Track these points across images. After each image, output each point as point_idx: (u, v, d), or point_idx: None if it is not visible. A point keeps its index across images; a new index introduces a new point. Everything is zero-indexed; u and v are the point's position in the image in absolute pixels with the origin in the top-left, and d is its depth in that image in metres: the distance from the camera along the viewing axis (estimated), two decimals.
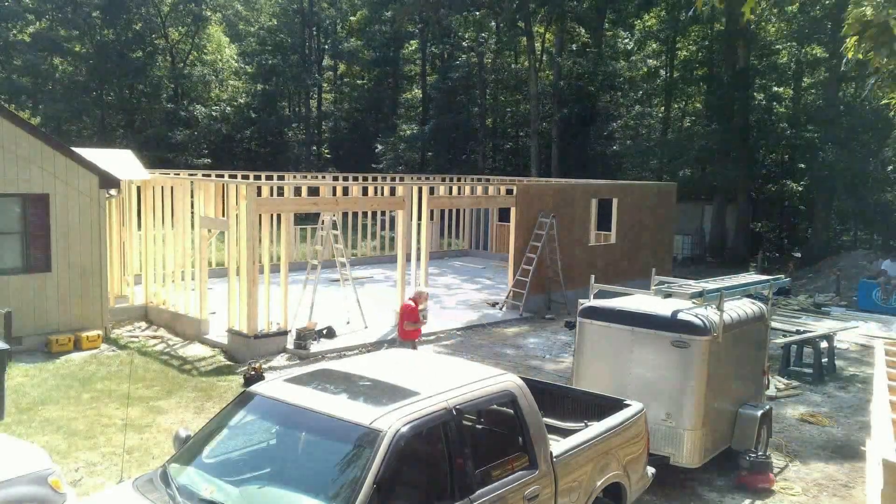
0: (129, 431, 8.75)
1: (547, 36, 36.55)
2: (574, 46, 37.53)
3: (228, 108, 40.75)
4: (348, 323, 15.09)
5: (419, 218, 15.47)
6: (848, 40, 6.97)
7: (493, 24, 38.95)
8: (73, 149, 13.73)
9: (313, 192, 14.12)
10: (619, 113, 38.88)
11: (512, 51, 40.30)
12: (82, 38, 36.20)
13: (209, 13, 40.24)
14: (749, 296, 10.06)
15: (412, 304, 11.19)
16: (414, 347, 11.00)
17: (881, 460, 5.68)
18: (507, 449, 5.82)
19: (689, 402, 8.17)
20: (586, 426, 6.85)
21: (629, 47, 37.35)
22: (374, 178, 23.31)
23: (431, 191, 15.79)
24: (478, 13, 35.54)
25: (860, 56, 7.11)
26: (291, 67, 40.72)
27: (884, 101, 9.52)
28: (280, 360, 12.75)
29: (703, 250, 30.58)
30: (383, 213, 24.64)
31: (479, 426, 6.29)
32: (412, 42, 44.52)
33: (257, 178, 19.09)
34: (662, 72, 36.99)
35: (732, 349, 8.78)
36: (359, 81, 44.52)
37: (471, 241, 26.96)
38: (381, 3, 38.76)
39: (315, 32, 41.52)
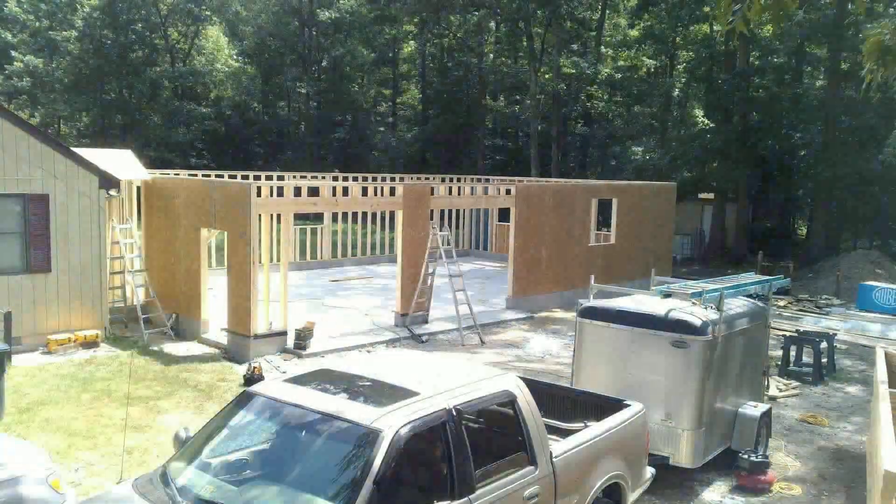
0: (129, 431, 8.74)
1: (547, 36, 36.56)
2: (574, 46, 37.55)
3: (228, 108, 40.74)
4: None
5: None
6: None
7: (492, 24, 38.96)
8: (73, 149, 13.73)
9: (313, 192, 14.11)
10: (619, 113, 38.90)
11: (512, 49, 40.30)
12: (82, 38, 36.20)
13: (208, 13, 40.25)
14: (749, 296, 10.07)
15: None
16: None
17: (884, 471, 5.70)
18: (506, 449, 5.82)
19: (688, 402, 8.16)
20: (586, 426, 6.84)
21: (628, 46, 37.35)
22: (374, 178, 23.31)
23: (431, 191, 15.79)
24: (477, 13, 35.54)
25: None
26: (290, 68, 40.71)
27: None
28: (279, 359, 12.76)
29: (702, 251, 30.60)
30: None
31: (479, 426, 6.29)
32: (411, 42, 44.52)
33: (257, 178, 19.09)
34: (662, 72, 37.00)
35: (732, 349, 8.78)
36: (358, 81, 44.50)
37: (471, 241, 26.96)
38: (381, 2, 38.77)
39: (314, 33, 41.52)
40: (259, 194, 12.78)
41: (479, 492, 5.28)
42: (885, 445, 6.35)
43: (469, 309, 15.06)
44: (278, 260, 14.36)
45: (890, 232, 30.55)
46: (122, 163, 15.21)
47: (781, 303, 19.65)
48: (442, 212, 24.17)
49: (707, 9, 30.30)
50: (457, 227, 26.50)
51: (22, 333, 12.34)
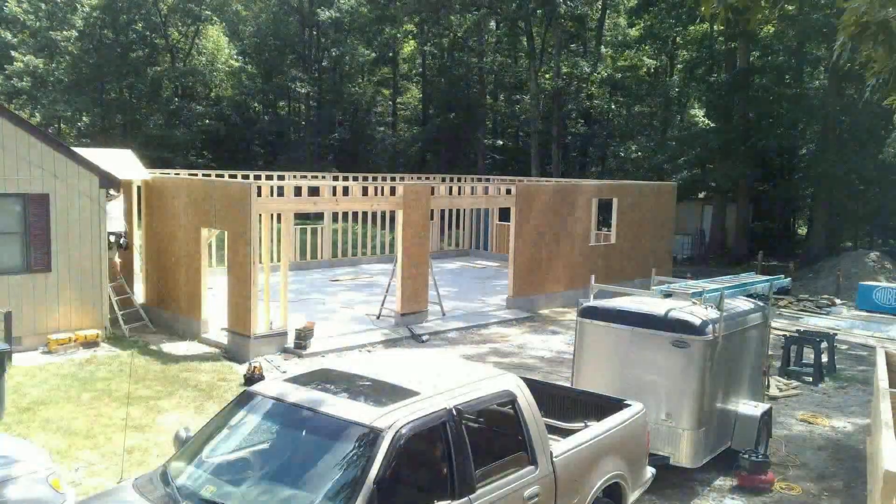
0: (129, 431, 8.74)
1: (546, 35, 36.59)
2: (574, 46, 37.57)
3: (228, 108, 40.76)
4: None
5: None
6: (839, 42, 6.88)
7: (492, 24, 38.95)
8: (73, 149, 13.73)
9: (313, 192, 14.11)
10: (619, 112, 38.90)
11: (512, 49, 40.31)
12: (82, 38, 36.19)
13: (209, 13, 40.25)
14: (749, 296, 10.07)
15: None
16: None
17: (884, 471, 5.70)
18: (507, 449, 5.82)
19: (688, 402, 8.16)
20: (586, 426, 6.84)
21: (628, 46, 37.36)
22: (374, 178, 23.32)
23: (432, 191, 15.79)
24: (477, 13, 35.55)
25: (859, 56, 7.12)
26: (290, 68, 40.75)
27: (885, 102, 9.42)
28: (279, 359, 12.75)
29: (702, 251, 30.59)
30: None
31: (479, 426, 6.29)
32: (411, 41, 44.52)
33: (257, 178, 19.09)
34: (662, 72, 36.99)
35: (732, 349, 8.78)
36: (358, 81, 44.50)
37: (471, 241, 26.96)
38: (381, 2, 38.81)
39: (314, 33, 41.54)
40: (259, 194, 12.78)
41: (479, 492, 5.28)
42: (886, 445, 6.35)
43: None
44: (278, 260, 14.36)
45: (890, 232, 30.57)
46: (123, 162, 15.22)
47: (782, 303, 19.65)
48: (442, 211, 24.28)
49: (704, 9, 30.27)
50: (457, 227, 26.52)
51: (22, 333, 12.34)
